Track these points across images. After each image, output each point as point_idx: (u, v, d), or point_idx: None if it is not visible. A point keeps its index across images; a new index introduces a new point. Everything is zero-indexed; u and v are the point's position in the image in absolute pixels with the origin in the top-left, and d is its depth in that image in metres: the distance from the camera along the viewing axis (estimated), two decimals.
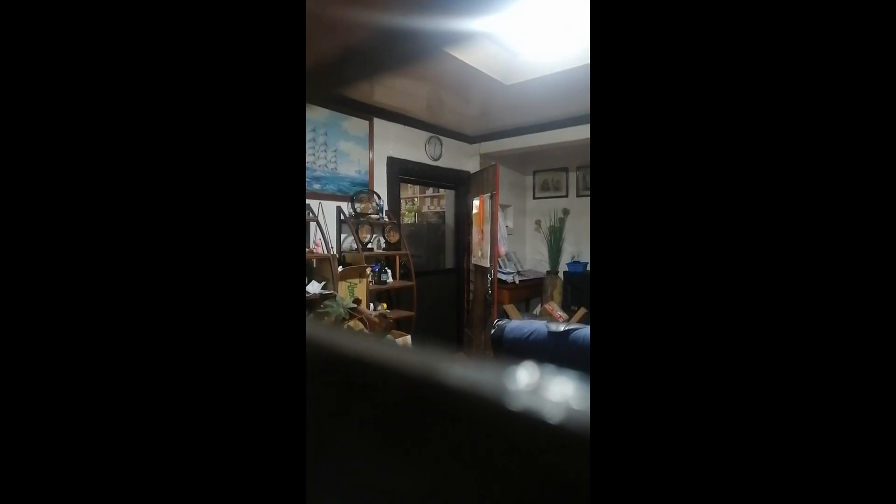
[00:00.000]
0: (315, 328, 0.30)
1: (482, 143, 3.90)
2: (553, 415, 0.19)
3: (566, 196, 4.32)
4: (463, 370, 0.23)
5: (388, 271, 3.03)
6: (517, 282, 3.85)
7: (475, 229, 3.53)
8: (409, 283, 3.07)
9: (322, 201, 2.77)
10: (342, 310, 2.26)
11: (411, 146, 3.43)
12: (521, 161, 4.39)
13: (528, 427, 0.20)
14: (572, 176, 4.29)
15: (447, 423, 0.24)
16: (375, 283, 2.90)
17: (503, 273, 3.75)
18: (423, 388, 0.25)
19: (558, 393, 0.20)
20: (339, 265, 2.64)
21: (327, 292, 2.47)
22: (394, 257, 3.11)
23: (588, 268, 3.86)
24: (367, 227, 2.93)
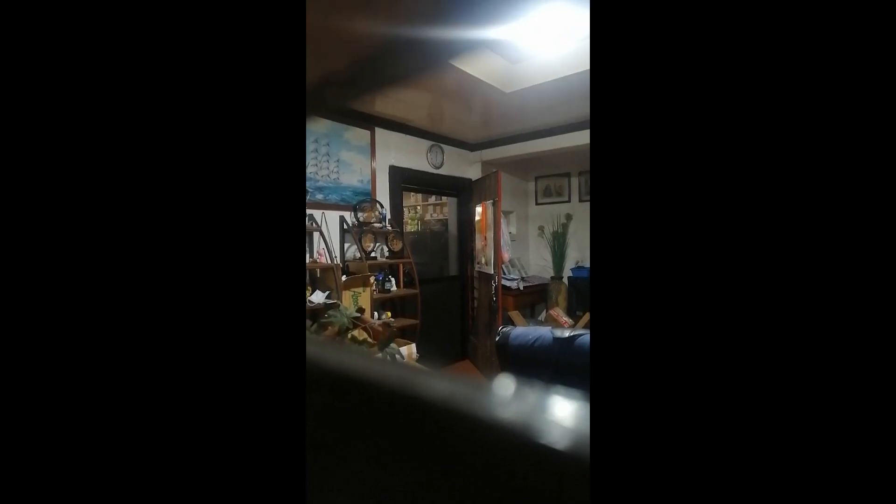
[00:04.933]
0: (315, 345, 0.30)
1: (483, 151, 3.91)
2: (551, 432, 0.19)
3: (569, 201, 4.32)
4: (461, 385, 0.23)
5: (392, 279, 3.03)
6: (521, 288, 3.84)
7: (478, 236, 3.53)
8: (413, 291, 3.06)
9: (325, 211, 2.78)
10: (346, 319, 2.26)
11: (413, 155, 3.44)
12: (523, 167, 4.40)
13: (528, 441, 0.20)
14: (574, 181, 4.29)
15: (445, 433, 0.24)
16: (379, 292, 2.90)
17: (507, 279, 3.74)
18: (421, 400, 0.25)
19: (557, 408, 0.20)
20: (342, 274, 2.64)
21: (331, 301, 2.47)
22: (397, 265, 3.11)
23: None
24: (370, 235, 2.93)
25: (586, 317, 3.58)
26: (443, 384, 0.24)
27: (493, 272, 3.17)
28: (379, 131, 3.16)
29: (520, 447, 0.20)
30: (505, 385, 0.22)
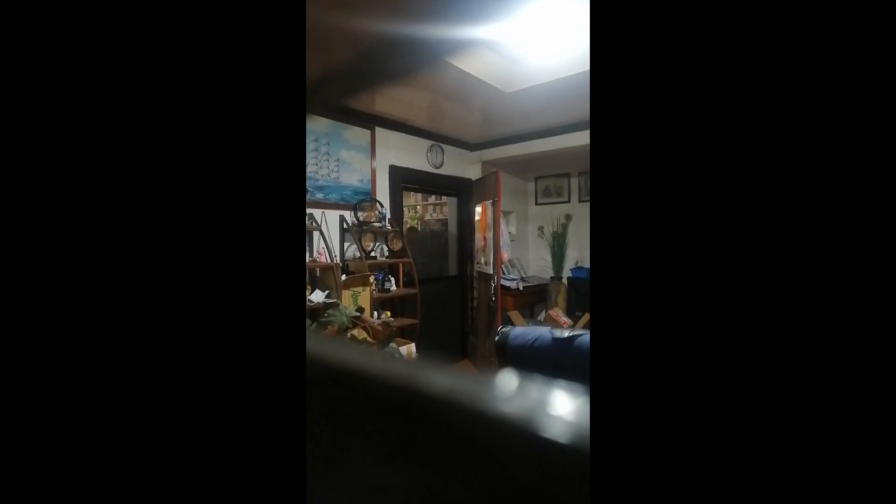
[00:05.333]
0: (315, 341, 0.30)
1: (483, 151, 3.91)
2: (552, 427, 0.19)
3: (568, 202, 4.32)
4: (462, 380, 0.23)
5: (392, 279, 3.03)
6: (521, 288, 3.84)
7: (478, 236, 3.53)
8: (412, 291, 3.06)
9: (325, 210, 2.78)
10: (345, 318, 2.26)
11: (413, 154, 3.44)
12: (523, 167, 4.40)
13: (529, 436, 0.20)
14: (574, 181, 4.29)
15: (445, 428, 0.24)
16: (379, 291, 2.90)
17: (506, 279, 3.74)
18: (421, 396, 0.25)
19: (557, 403, 0.20)
20: (342, 274, 2.64)
21: (331, 301, 2.47)
22: (397, 265, 3.11)
23: None
24: (369, 235, 2.93)
25: (585, 317, 3.58)
26: (443, 380, 0.24)
27: (492, 272, 3.17)
28: (379, 131, 3.16)
29: (520, 442, 0.20)
30: (506, 380, 0.22)
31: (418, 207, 4.96)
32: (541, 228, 4.39)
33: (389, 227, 3.08)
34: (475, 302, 3.73)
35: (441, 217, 4.69)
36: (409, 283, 3.16)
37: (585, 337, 1.90)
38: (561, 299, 4.01)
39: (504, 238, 3.30)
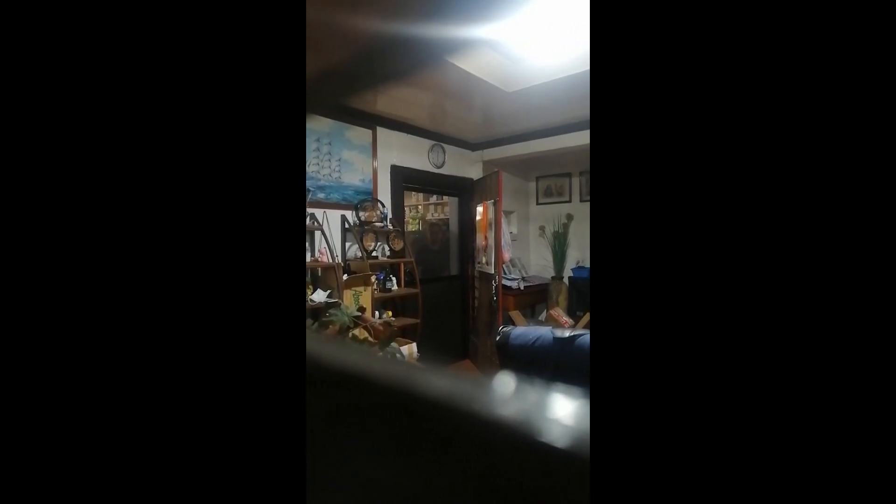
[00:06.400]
0: (316, 342, 0.30)
1: (485, 150, 3.91)
2: (552, 430, 0.19)
3: (570, 201, 4.31)
4: (461, 382, 0.23)
5: (393, 279, 3.03)
6: (522, 288, 3.83)
7: (479, 236, 3.53)
8: (413, 291, 3.06)
9: (326, 210, 2.78)
10: (347, 318, 2.26)
11: (414, 154, 3.44)
12: (524, 167, 4.39)
13: (528, 439, 0.20)
14: (575, 181, 4.28)
15: (445, 431, 0.24)
16: (380, 291, 2.90)
17: (508, 279, 3.74)
18: (421, 398, 0.25)
19: (557, 407, 0.20)
20: (344, 273, 2.64)
21: (332, 301, 2.47)
22: (398, 265, 3.11)
23: None
24: (371, 235, 2.93)
25: (587, 317, 3.58)
26: (443, 382, 0.24)
27: (493, 272, 3.17)
28: (381, 130, 3.16)
29: (520, 445, 0.20)
30: (505, 383, 0.22)
31: (420, 207, 4.96)
32: (542, 228, 4.39)
33: (391, 227, 3.08)
34: (476, 302, 3.73)
35: (443, 217, 4.68)
36: (410, 282, 3.16)
37: (586, 337, 1.90)
38: (562, 299, 4.00)
39: (505, 238, 3.30)
